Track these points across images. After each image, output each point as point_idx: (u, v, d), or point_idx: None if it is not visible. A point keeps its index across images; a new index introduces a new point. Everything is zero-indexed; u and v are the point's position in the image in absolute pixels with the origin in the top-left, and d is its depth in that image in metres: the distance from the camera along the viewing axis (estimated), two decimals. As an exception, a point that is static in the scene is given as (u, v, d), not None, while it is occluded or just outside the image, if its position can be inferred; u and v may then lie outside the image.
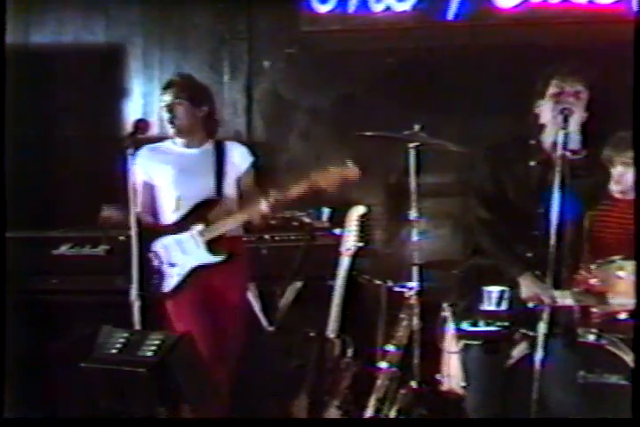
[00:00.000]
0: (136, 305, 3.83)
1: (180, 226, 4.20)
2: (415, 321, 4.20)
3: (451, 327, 4.49)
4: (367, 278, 4.52)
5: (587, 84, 3.68)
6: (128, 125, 4.28)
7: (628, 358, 3.89)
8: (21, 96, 5.37)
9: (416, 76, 5.32)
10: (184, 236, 4.18)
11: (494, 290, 3.63)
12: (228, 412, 4.10)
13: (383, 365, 4.22)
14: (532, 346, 3.56)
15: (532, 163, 3.72)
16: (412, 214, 4.27)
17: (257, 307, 4.54)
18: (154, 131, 4.50)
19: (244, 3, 5.55)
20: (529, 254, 3.68)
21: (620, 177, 4.07)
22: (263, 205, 4.06)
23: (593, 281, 3.77)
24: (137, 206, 3.98)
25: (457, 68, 5.21)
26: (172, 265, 4.19)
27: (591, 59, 4.28)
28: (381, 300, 4.51)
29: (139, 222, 3.87)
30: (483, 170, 3.83)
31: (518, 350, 3.84)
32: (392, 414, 4.14)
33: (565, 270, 3.62)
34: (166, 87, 4.29)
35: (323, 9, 5.37)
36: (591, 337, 3.93)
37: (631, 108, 3.63)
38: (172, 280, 4.18)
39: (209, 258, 4.15)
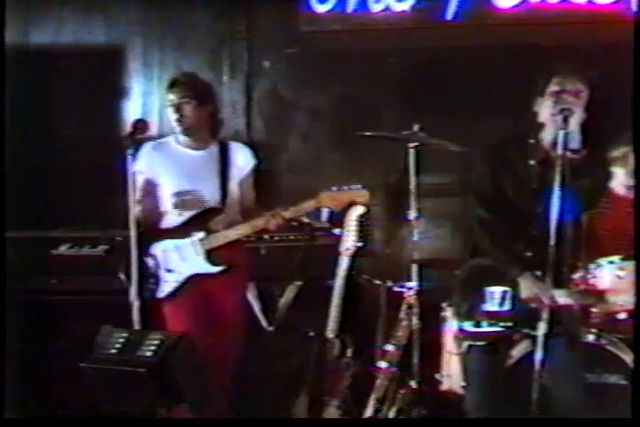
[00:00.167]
0: (136, 305, 3.84)
1: (182, 231, 4.18)
2: (415, 321, 4.20)
3: (450, 327, 4.51)
4: (367, 278, 4.51)
5: (587, 83, 3.67)
6: (127, 125, 4.26)
7: (628, 358, 3.90)
8: (21, 96, 5.37)
9: (415, 76, 5.32)
10: (184, 242, 4.16)
11: (497, 290, 3.63)
12: (228, 412, 4.10)
13: (383, 365, 4.21)
14: (534, 345, 3.55)
15: (532, 162, 3.71)
16: (412, 214, 4.27)
17: (256, 307, 4.54)
18: (153, 131, 4.52)
19: (243, 3, 5.55)
20: (528, 254, 3.68)
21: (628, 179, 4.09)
22: (268, 223, 4.06)
23: (592, 281, 3.77)
24: (137, 204, 3.97)
25: (456, 67, 5.21)
26: (170, 271, 4.17)
27: (590, 59, 4.29)
28: (381, 300, 4.51)
29: (138, 222, 3.87)
30: (482, 169, 3.82)
31: (518, 350, 3.85)
32: (391, 413, 4.14)
33: (565, 270, 3.62)
34: (171, 86, 4.25)
35: (322, 9, 5.37)
36: (591, 337, 3.94)
37: (631, 108, 3.63)
38: (167, 286, 4.17)
39: (207, 268, 4.13)
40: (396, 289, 4.36)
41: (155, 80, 5.65)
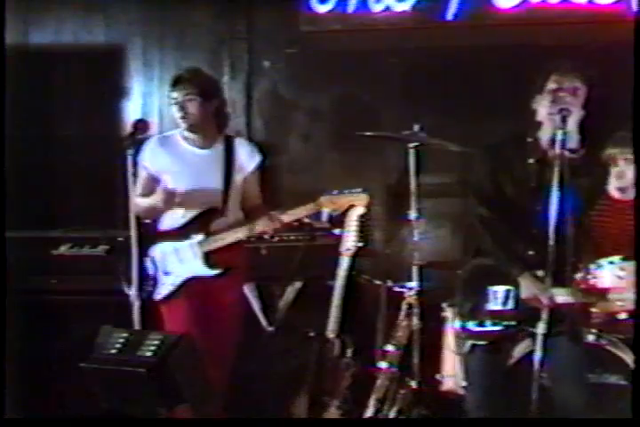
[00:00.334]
0: (136, 305, 3.84)
1: (181, 233, 4.16)
2: (415, 321, 4.20)
3: (451, 327, 4.50)
4: (367, 279, 4.51)
5: (585, 81, 3.68)
6: (128, 125, 4.26)
7: (628, 358, 3.90)
8: (21, 96, 5.37)
9: (415, 76, 5.32)
10: (183, 244, 4.14)
11: (500, 289, 3.63)
12: (228, 412, 4.10)
13: (383, 365, 4.22)
14: (535, 344, 3.54)
15: (531, 160, 3.71)
16: (412, 215, 4.27)
17: (256, 307, 4.54)
18: (153, 131, 4.51)
19: (243, 2, 5.54)
20: (530, 252, 3.67)
21: (622, 174, 4.08)
22: (267, 227, 4.05)
23: (593, 281, 3.76)
24: (139, 197, 3.95)
25: (456, 68, 5.21)
26: (167, 273, 4.16)
27: (590, 58, 4.28)
28: (381, 300, 4.51)
29: (139, 217, 3.86)
30: (481, 169, 3.82)
31: (519, 349, 3.84)
32: (392, 414, 4.14)
33: (567, 268, 3.61)
34: (175, 83, 4.19)
35: (322, 9, 5.37)
36: (591, 337, 3.94)
37: (631, 108, 3.63)
38: (164, 288, 4.15)
39: (205, 271, 4.11)
40: (397, 289, 4.36)
41: (155, 80, 5.64)
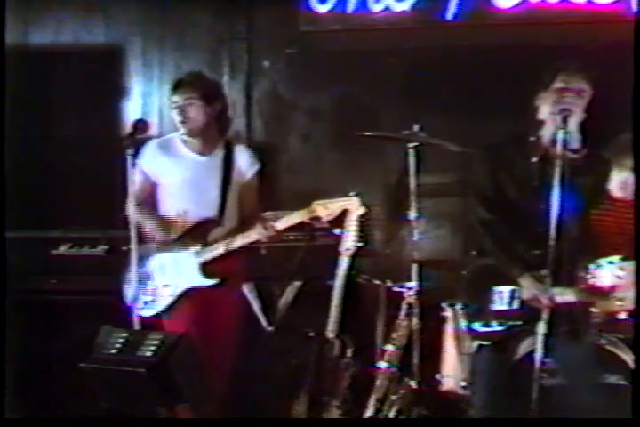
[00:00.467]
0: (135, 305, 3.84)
1: (179, 244, 4.14)
2: (414, 321, 4.20)
3: (456, 328, 4.50)
4: (366, 278, 4.51)
5: (591, 82, 3.68)
6: (127, 125, 4.25)
7: (628, 358, 3.90)
8: (21, 96, 5.37)
9: (415, 76, 5.32)
10: (181, 255, 4.13)
11: (505, 290, 3.62)
12: (228, 412, 4.10)
13: (383, 365, 4.22)
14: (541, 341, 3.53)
15: (533, 159, 3.71)
16: (412, 214, 4.27)
17: (256, 307, 4.53)
18: (153, 131, 4.51)
19: (243, 3, 5.54)
20: (536, 251, 3.65)
21: (626, 181, 4.08)
22: (261, 235, 4.02)
23: (592, 281, 3.76)
24: (137, 207, 3.96)
25: (456, 68, 5.20)
26: (166, 286, 4.14)
27: (590, 58, 4.28)
28: (381, 300, 4.51)
29: (139, 226, 3.86)
30: (482, 169, 3.82)
31: (525, 346, 3.83)
32: (392, 414, 4.14)
33: (569, 268, 3.61)
34: (176, 87, 4.17)
35: (322, 9, 5.36)
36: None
37: (631, 108, 3.64)
38: (164, 301, 4.13)
39: (202, 281, 4.08)
40: (396, 289, 4.36)
41: (155, 80, 5.64)
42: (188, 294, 4.11)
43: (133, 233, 3.81)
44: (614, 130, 4.07)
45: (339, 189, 4.14)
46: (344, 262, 4.10)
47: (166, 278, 4.15)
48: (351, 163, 5.34)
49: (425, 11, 5.24)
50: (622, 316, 3.93)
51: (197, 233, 4.12)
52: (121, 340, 3.60)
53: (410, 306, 4.24)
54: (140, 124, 3.98)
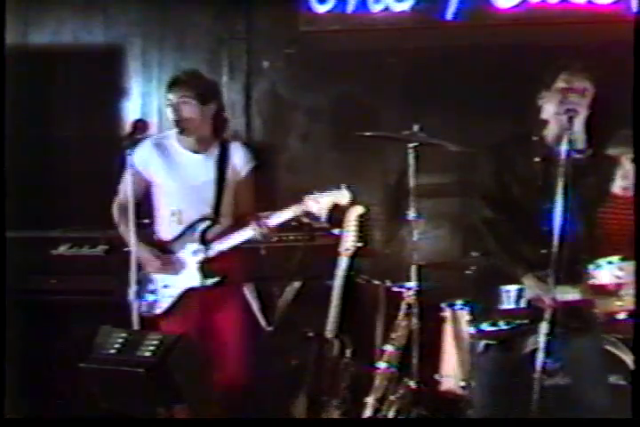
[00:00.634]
0: (135, 305, 3.84)
1: (177, 244, 4.13)
2: (414, 321, 4.20)
3: (452, 327, 4.51)
4: (366, 279, 4.51)
5: (594, 81, 3.67)
6: (127, 125, 4.24)
7: (628, 359, 3.90)
8: (21, 96, 5.38)
9: (415, 76, 5.32)
10: (179, 255, 4.12)
11: (512, 289, 3.62)
12: (228, 412, 4.10)
13: (382, 365, 4.22)
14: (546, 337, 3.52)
15: (537, 159, 3.70)
16: (411, 215, 4.27)
17: (256, 307, 4.53)
18: (152, 131, 4.51)
19: (243, 3, 5.54)
20: (543, 251, 3.63)
21: (626, 172, 4.09)
22: (255, 232, 4.00)
23: (591, 282, 3.76)
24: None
25: (456, 68, 5.20)
26: (166, 286, 4.12)
27: (590, 58, 4.28)
28: (380, 300, 4.51)
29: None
30: (486, 170, 3.81)
31: (531, 342, 3.81)
32: (391, 414, 4.14)
33: (574, 267, 3.60)
34: (172, 85, 4.12)
35: (321, 9, 5.36)
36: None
37: (631, 108, 3.63)
38: (164, 302, 4.11)
39: (201, 281, 4.06)
40: (395, 289, 4.37)
41: (154, 80, 5.64)
42: (188, 295, 4.10)
43: (133, 233, 3.81)
44: (614, 130, 4.08)
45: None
46: (343, 263, 4.10)
47: (166, 279, 4.14)
48: (351, 163, 5.34)
49: (424, 11, 5.24)
50: (622, 316, 3.94)
51: (194, 232, 4.09)
52: (120, 340, 3.60)
53: (409, 306, 4.24)
54: (140, 124, 3.98)
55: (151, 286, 4.13)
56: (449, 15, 5.20)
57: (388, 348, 4.25)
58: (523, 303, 3.62)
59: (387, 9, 5.29)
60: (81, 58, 5.58)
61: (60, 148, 5.56)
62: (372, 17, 5.32)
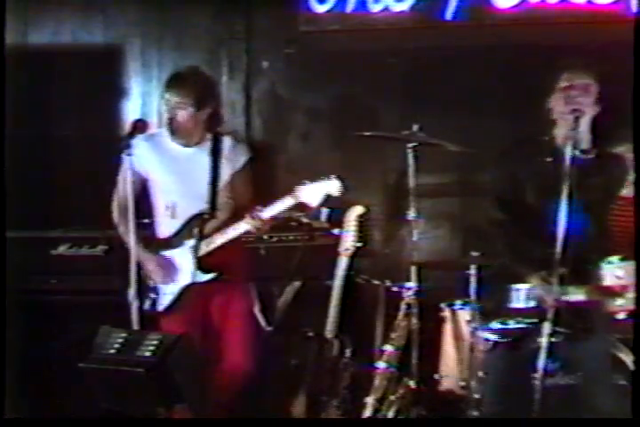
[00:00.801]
0: (134, 305, 3.84)
1: (175, 240, 4.13)
2: (413, 321, 4.20)
3: (450, 327, 4.51)
4: (365, 279, 4.51)
5: (596, 77, 3.67)
6: (127, 125, 4.24)
7: (628, 359, 3.90)
8: (21, 96, 5.38)
9: (415, 76, 5.32)
10: (178, 251, 4.12)
11: (522, 287, 3.62)
12: (228, 412, 4.10)
13: (381, 365, 4.21)
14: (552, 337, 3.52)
15: (549, 159, 3.69)
16: (411, 215, 4.27)
17: (255, 307, 4.53)
18: (152, 131, 4.50)
19: (242, 3, 5.54)
20: (549, 251, 3.62)
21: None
22: (249, 225, 3.99)
23: (597, 282, 3.76)
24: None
25: (456, 67, 5.21)
26: (166, 282, 4.14)
27: (590, 58, 4.28)
28: (379, 300, 4.51)
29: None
30: (498, 171, 3.80)
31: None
32: (390, 413, 4.14)
33: (581, 267, 3.60)
34: (171, 84, 4.13)
35: (321, 9, 5.37)
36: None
37: (631, 108, 3.63)
38: (166, 298, 4.12)
39: (200, 276, 4.05)
40: (395, 289, 4.36)
41: (153, 80, 5.64)
42: (189, 291, 4.10)
43: (133, 233, 3.81)
44: (614, 130, 4.07)
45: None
46: (343, 262, 4.10)
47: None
48: (350, 163, 5.34)
49: (424, 11, 5.25)
50: (622, 316, 3.94)
51: (191, 227, 4.08)
52: (120, 340, 3.60)
53: (409, 306, 4.24)
54: (140, 124, 3.97)
55: (152, 284, 4.14)
56: (448, 15, 5.21)
57: (388, 348, 4.25)
58: (533, 302, 3.62)
59: (386, 9, 5.30)
60: (80, 58, 5.57)
61: (59, 148, 5.56)
62: (371, 17, 5.33)
